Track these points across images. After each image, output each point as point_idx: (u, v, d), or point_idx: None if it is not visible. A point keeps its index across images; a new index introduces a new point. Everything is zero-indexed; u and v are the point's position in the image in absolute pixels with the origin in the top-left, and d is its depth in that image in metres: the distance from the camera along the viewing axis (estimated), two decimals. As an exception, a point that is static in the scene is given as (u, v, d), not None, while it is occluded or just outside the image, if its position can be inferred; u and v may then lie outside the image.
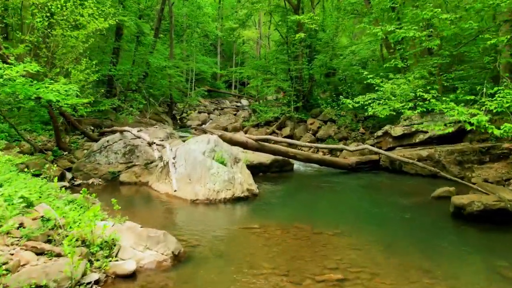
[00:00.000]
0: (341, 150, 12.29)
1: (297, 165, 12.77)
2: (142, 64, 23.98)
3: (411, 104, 7.08)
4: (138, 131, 10.47)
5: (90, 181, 10.29)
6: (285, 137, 18.61)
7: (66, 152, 11.95)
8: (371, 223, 7.05)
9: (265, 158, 11.91)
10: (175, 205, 8.25)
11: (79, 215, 5.33)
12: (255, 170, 11.60)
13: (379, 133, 13.36)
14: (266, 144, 11.18)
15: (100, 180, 10.37)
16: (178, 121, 26.88)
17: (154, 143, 9.37)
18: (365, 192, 9.96)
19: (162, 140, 10.51)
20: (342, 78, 17.26)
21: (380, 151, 11.38)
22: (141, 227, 6.23)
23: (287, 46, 20.46)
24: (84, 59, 10.47)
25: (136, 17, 19.16)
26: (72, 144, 12.23)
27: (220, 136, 10.27)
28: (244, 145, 10.91)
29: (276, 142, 11.66)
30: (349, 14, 17.18)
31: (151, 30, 25.74)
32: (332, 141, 17.47)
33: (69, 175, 10.36)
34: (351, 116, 17.67)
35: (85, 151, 11.62)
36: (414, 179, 11.16)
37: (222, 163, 9.11)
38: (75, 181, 10.36)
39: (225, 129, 22.59)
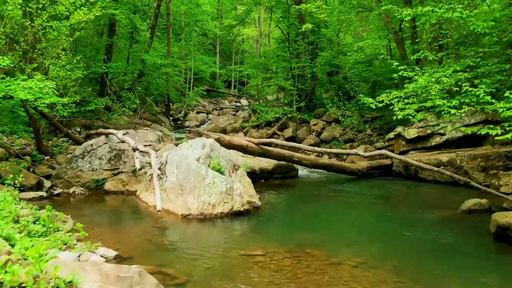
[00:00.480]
0: (353, 155, 10.91)
1: (301, 170, 11.49)
2: (137, 62, 22.73)
3: (455, 102, 5.79)
4: (124, 134, 9.18)
5: (71, 190, 9.01)
6: (287, 139, 17.33)
7: (48, 157, 10.67)
8: (397, 247, 5.77)
9: (266, 163, 10.64)
10: (163, 221, 6.97)
11: (33, 245, 4.05)
12: (256, 176, 10.35)
13: (391, 135, 12.08)
14: (268, 148, 9.90)
15: (82, 189, 9.10)
16: (172, 122, 25.67)
17: (138, 149, 8.08)
18: (382, 204, 8.66)
19: (149, 145, 9.24)
20: (348, 77, 15.93)
21: (404, 158, 10.00)
22: (114, 257, 4.95)
23: (289, 43, 19.16)
24: (64, 54, 9.15)
25: (130, 12, 17.83)
26: (54, 148, 10.93)
27: (217, 140, 8.99)
28: (244, 150, 9.63)
29: (279, 146, 10.35)
30: (355, 8, 15.87)
31: (148, 29, 24.48)
32: (337, 143, 16.20)
33: (47, 183, 9.08)
34: (357, 117, 16.38)
35: (69, 155, 10.33)
36: (433, 187, 9.90)
37: (219, 171, 7.83)
38: (54, 190, 9.08)
39: (224, 130, 21.32)
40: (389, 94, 6.72)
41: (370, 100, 6.92)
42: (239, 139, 9.54)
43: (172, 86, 27.99)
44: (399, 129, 11.89)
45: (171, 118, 27.24)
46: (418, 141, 11.57)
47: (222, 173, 7.83)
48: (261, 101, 24.18)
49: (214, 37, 40.55)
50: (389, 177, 11.26)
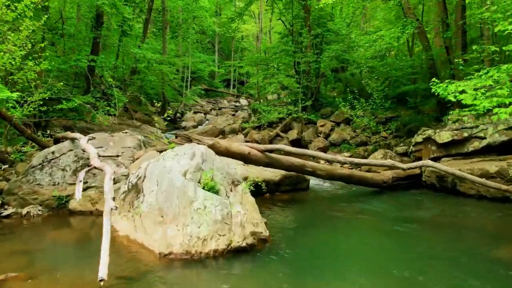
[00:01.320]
0: (389, 167, 8.63)
1: (313, 180, 9.37)
2: (128, 58, 20.59)
3: None
4: (90, 139, 7.04)
5: (25, 211, 6.90)
6: (292, 141, 15.22)
7: (6, 166, 8.53)
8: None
9: (272, 173, 8.52)
10: (135, 263, 4.85)
11: None
12: (260, 189, 8.26)
13: (418, 138, 9.93)
14: (276, 156, 7.76)
15: (40, 208, 6.99)
16: (167, 122, 23.55)
17: (90, 166, 5.94)
18: (422, 231, 6.49)
19: (118, 156, 7.12)
20: (363, 72, 13.76)
21: (463, 174, 7.70)
22: None
23: (293, 37, 17.03)
24: (12, 36, 6.99)
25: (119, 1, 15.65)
26: (13, 155, 8.77)
27: (212, 146, 6.87)
28: (246, 158, 7.49)
29: (290, 154, 8.18)
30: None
31: (142, 21, 22.34)
32: (348, 146, 14.09)
33: (-4, 201, 6.95)
34: (369, 117, 14.25)
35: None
36: (481, 204, 7.77)
37: (213, 189, 5.70)
38: (5, 209, 6.97)
39: (222, 131, 19.19)
40: (470, 81, 4.57)
41: (451, 87, 4.68)
42: (239, 145, 7.40)
43: (168, 84, 25.89)
44: (428, 131, 9.77)
45: (169, 118, 25.24)
46: (452, 146, 9.45)
47: (217, 192, 5.70)
48: (261, 100, 22.05)
49: (213, 35, 38.44)
50: (419, 189, 9.15)
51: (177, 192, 5.41)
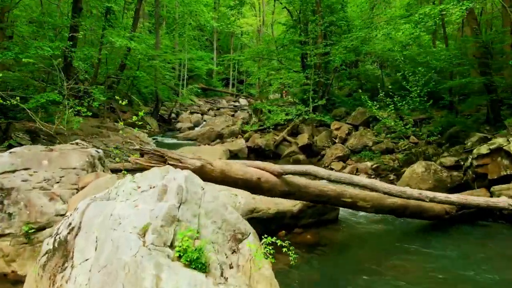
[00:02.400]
0: None
1: (342, 210, 6.55)
2: (115, 52, 17.73)
3: None
4: (10, 152, 4.24)
5: None
6: (302, 147, 12.45)
7: None
8: None
9: (290, 203, 5.72)
10: None
11: None
12: (271, 224, 5.56)
13: (483, 149, 7.09)
14: (298, 182, 4.89)
15: None
16: (161, 123, 20.88)
17: None
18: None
19: (57, 183, 4.33)
20: (400, 63, 10.87)
21: None
22: None
23: (301, 26, 14.22)
24: None
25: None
26: None
27: (200, 170, 4.06)
28: (254, 186, 4.61)
29: (323, 178, 5.08)
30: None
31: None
32: (370, 153, 11.30)
33: None
34: (395, 119, 11.35)
35: None
36: None
37: (197, 263, 2.89)
38: None
39: (220, 135, 16.34)
40: None
41: None
42: (241, 165, 4.51)
43: (163, 83, 23.05)
44: (499, 140, 6.96)
45: (162, 119, 22.47)
46: (532, 160, 6.67)
47: (204, 268, 2.90)
48: (263, 100, 19.24)
49: (211, 32, 35.60)
50: (489, 221, 6.38)
51: (124, 275, 2.62)
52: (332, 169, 10.45)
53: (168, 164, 4.03)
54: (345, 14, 15.09)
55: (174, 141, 17.35)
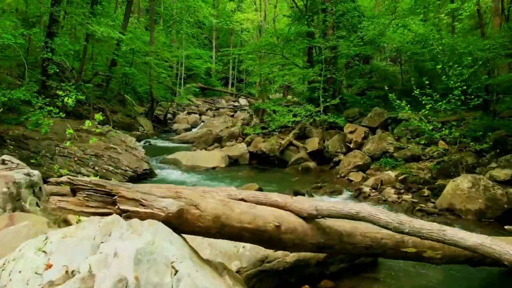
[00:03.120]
0: None
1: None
2: (104, 47, 15.91)
3: None
4: None
5: None
6: (311, 153, 10.64)
7: None
8: None
9: (317, 244, 3.91)
10: None
11: None
12: (290, 276, 3.76)
13: None
14: (339, 228, 2.97)
15: None
16: (149, 125, 19.07)
17: None
18: None
19: None
20: (439, 55, 8.99)
21: None
22: None
23: (309, 16, 12.37)
24: None
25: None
26: None
27: (177, 219, 2.22)
28: (270, 238, 2.71)
29: (386, 228, 2.88)
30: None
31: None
32: (392, 161, 9.51)
33: None
34: (419, 122, 9.50)
35: None
36: None
37: None
38: None
39: (219, 137, 14.47)
40: None
41: None
42: (248, 206, 2.71)
43: (157, 80, 21.20)
44: None
45: (158, 119, 20.64)
46: None
47: None
48: (264, 99, 17.39)
49: (210, 29, 33.74)
50: None
51: None
52: (351, 181, 8.64)
53: (119, 209, 2.20)
54: (357, 4, 13.27)
55: (168, 144, 15.54)
